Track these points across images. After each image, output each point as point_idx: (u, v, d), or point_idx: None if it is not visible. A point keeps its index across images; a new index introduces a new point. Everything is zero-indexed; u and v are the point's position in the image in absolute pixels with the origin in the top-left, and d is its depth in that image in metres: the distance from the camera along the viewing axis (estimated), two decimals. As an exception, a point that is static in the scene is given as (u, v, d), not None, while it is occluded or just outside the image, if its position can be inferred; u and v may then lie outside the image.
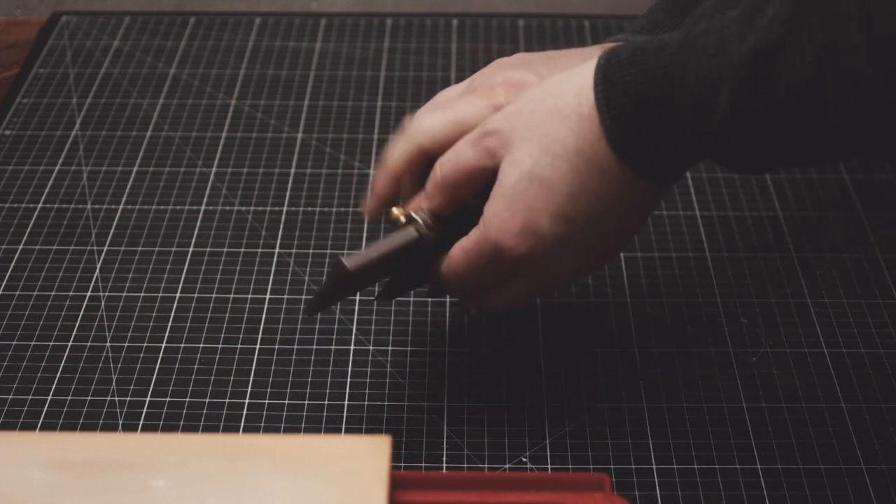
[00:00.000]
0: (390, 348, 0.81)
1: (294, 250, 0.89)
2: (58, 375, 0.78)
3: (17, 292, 0.85)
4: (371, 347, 0.81)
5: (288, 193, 0.96)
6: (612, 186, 0.64)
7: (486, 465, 0.73)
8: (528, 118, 0.65)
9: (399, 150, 0.72)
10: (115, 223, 0.92)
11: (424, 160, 0.71)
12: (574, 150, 0.63)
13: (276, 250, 0.89)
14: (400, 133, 0.73)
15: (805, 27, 0.56)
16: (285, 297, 0.85)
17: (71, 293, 0.85)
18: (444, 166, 0.68)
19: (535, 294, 0.71)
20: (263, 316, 0.83)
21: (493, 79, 0.71)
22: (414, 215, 0.70)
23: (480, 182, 0.67)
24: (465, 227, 0.69)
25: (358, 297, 0.85)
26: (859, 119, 0.57)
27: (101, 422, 0.75)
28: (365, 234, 0.91)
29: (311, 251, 0.89)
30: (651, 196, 0.66)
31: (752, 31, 0.58)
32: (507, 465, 0.73)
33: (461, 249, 0.68)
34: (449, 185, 0.68)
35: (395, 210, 0.71)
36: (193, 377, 0.78)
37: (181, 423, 0.75)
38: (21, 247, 0.90)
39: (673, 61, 0.60)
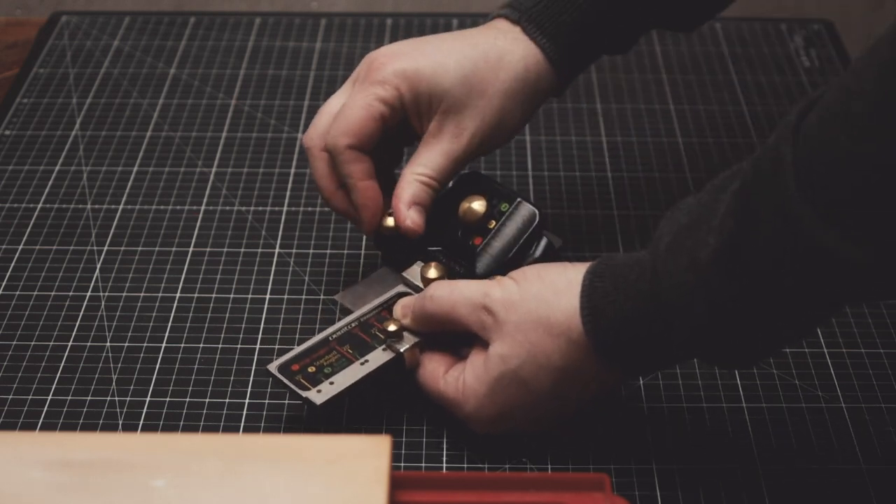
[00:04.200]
0: (390, 348, 0.81)
1: (294, 250, 0.89)
2: (58, 375, 0.78)
3: (17, 292, 0.85)
4: (371, 347, 0.81)
5: (288, 193, 0.96)
6: (592, 386, 0.70)
7: (486, 465, 0.73)
8: (521, 318, 0.68)
9: (323, 166, 0.77)
10: (115, 223, 0.92)
11: (353, 153, 0.76)
12: (559, 367, 0.68)
13: (276, 250, 0.89)
14: (312, 156, 0.78)
15: (754, 212, 0.59)
16: (285, 297, 0.85)
17: (71, 293, 0.85)
18: (435, 302, 0.71)
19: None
20: (263, 316, 0.83)
21: (371, 68, 0.77)
22: (402, 340, 0.73)
23: (463, 331, 0.71)
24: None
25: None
26: (829, 285, 0.58)
27: (101, 422, 0.75)
28: (364, 235, 0.91)
29: (311, 251, 0.89)
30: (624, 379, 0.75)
31: (713, 233, 0.61)
32: (507, 465, 0.73)
33: (436, 389, 0.72)
34: (435, 322, 0.72)
35: (391, 325, 0.73)
36: (193, 377, 0.78)
37: (181, 423, 0.75)
38: (21, 247, 0.90)
39: (651, 287, 0.65)
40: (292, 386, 0.71)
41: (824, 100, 0.57)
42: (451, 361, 0.72)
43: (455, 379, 0.71)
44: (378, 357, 0.73)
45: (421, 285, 0.75)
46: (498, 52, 0.78)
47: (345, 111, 0.76)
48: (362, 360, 0.73)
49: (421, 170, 0.76)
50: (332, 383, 0.71)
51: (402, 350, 0.73)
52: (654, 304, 0.64)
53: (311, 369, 0.72)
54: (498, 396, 0.69)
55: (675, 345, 0.65)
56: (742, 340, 0.63)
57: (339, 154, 0.76)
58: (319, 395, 0.71)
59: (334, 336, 0.74)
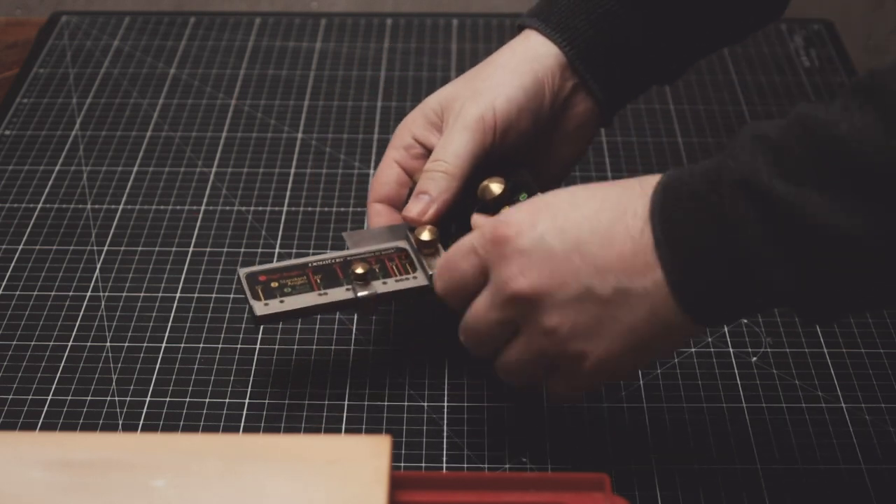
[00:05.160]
0: (391, 348, 0.81)
1: (294, 250, 0.90)
2: (58, 375, 0.78)
3: (17, 292, 0.85)
4: (371, 348, 0.81)
5: (288, 193, 0.96)
6: (635, 283, 0.62)
7: (486, 465, 0.73)
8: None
9: (372, 212, 0.79)
10: (115, 223, 0.92)
11: (375, 207, 0.79)
12: (599, 210, 0.63)
13: (276, 250, 0.89)
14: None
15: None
16: (285, 297, 0.85)
17: (71, 293, 0.85)
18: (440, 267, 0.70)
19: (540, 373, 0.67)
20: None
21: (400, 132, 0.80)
22: (365, 286, 0.74)
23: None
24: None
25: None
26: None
27: (101, 422, 0.75)
28: (365, 234, 0.91)
29: (310, 251, 0.89)
30: (691, 331, 0.64)
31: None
32: (507, 465, 0.73)
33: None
34: (450, 276, 0.69)
35: (360, 268, 0.74)
36: (193, 377, 0.78)
37: (181, 423, 0.75)
38: (21, 247, 0.90)
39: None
40: (248, 292, 0.73)
41: None
42: None
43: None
44: (337, 294, 0.73)
45: (415, 245, 0.76)
46: (504, 49, 0.79)
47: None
48: (322, 291, 0.73)
49: (431, 164, 0.76)
50: (282, 302, 0.72)
51: (359, 295, 0.73)
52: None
53: (274, 284, 0.73)
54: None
55: (747, 260, 0.58)
56: (833, 252, 0.56)
57: (368, 207, 0.80)
58: (264, 307, 0.72)
59: (314, 264, 0.75)
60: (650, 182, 0.63)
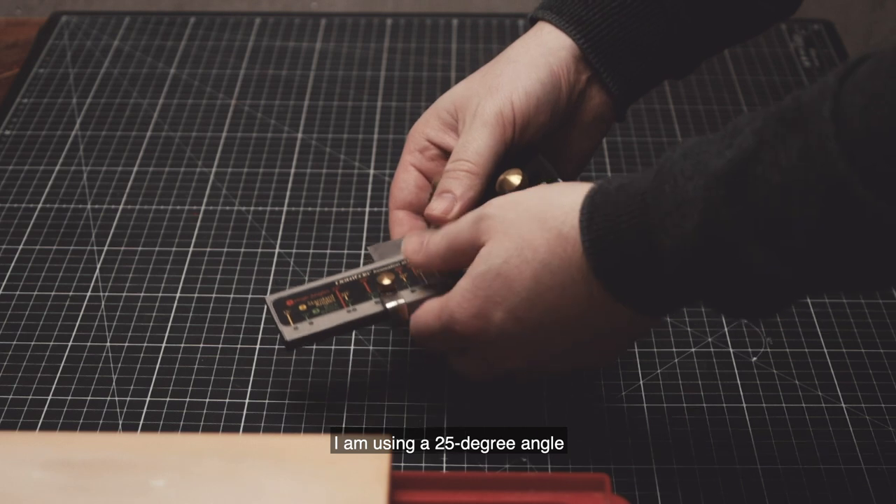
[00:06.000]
0: (390, 348, 0.81)
1: (294, 250, 0.90)
2: (58, 375, 0.78)
3: (17, 292, 0.85)
4: (371, 347, 0.81)
5: (288, 193, 0.96)
6: (577, 302, 0.65)
7: (486, 465, 0.73)
8: (519, 214, 0.67)
9: (393, 220, 0.79)
10: (115, 223, 0.92)
11: (396, 214, 0.78)
12: (541, 261, 0.65)
13: (276, 250, 0.89)
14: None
15: (780, 135, 0.56)
16: (285, 297, 0.85)
17: (71, 293, 0.85)
18: (444, 229, 0.71)
19: (496, 375, 0.72)
20: (263, 316, 0.83)
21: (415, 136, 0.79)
22: (394, 297, 0.73)
23: (472, 256, 0.69)
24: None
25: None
26: (840, 231, 0.55)
27: (101, 422, 0.75)
28: (365, 235, 0.91)
29: (311, 251, 0.89)
30: (635, 322, 0.66)
31: (731, 147, 0.58)
32: (507, 465, 0.73)
33: (425, 310, 0.71)
34: (442, 257, 0.71)
35: (386, 279, 0.73)
36: (193, 377, 0.78)
37: (181, 423, 0.75)
38: (21, 247, 0.90)
39: (651, 186, 0.61)
40: (276, 318, 0.72)
41: (880, 51, 0.55)
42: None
43: (437, 299, 0.71)
44: (366, 308, 0.73)
45: None
46: (517, 44, 0.79)
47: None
48: (351, 308, 0.73)
49: (452, 164, 0.76)
50: (311, 324, 0.72)
51: (388, 306, 0.72)
52: (649, 209, 0.61)
53: (302, 307, 0.73)
54: (480, 291, 0.67)
55: (665, 262, 0.61)
56: (736, 279, 0.59)
57: (389, 215, 0.79)
58: (294, 332, 0.71)
59: (340, 282, 0.74)
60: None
